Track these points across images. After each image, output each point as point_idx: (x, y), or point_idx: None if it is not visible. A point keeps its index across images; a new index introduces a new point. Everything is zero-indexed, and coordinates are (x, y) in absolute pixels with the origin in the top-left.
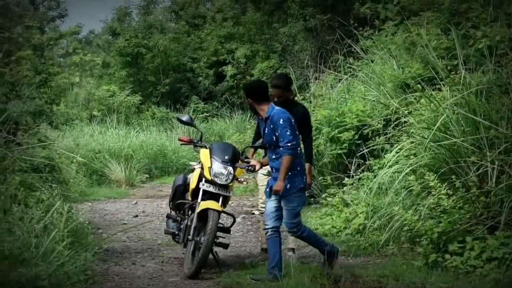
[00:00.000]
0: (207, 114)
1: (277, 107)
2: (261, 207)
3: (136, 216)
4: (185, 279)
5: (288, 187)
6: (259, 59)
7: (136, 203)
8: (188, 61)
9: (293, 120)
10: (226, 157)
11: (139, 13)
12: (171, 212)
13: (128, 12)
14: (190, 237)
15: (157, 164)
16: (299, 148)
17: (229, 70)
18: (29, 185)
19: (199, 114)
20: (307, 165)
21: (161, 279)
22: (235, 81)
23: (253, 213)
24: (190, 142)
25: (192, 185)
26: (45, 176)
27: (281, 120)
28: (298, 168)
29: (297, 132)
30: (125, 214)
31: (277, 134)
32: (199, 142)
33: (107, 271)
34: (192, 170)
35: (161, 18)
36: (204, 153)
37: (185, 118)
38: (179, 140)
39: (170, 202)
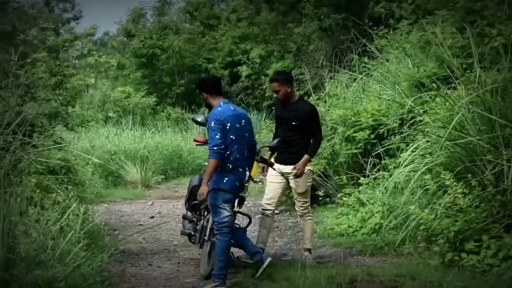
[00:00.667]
0: None
1: (223, 106)
2: (265, 203)
3: (152, 217)
4: (201, 279)
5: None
6: (273, 59)
7: (152, 204)
8: (203, 61)
9: (229, 124)
10: None
11: (154, 14)
12: (187, 213)
13: (143, 13)
14: (206, 237)
15: (173, 165)
16: (226, 152)
17: (244, 70)
18: (45, 187)
19: None
20: (305, 156)
21: (177, 280)
22: (250, 82)
23: None
24: (205, 142)
25: None
26: (61, 178)
27: (213, 122)
28: (219, 169)
29: (232, 137)
30: (141, 215)
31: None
32: None
33: (123, 272)
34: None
35: (175, 19)
36: None
37: (200, 118)
38: (195, 141)
39: (186, 203)
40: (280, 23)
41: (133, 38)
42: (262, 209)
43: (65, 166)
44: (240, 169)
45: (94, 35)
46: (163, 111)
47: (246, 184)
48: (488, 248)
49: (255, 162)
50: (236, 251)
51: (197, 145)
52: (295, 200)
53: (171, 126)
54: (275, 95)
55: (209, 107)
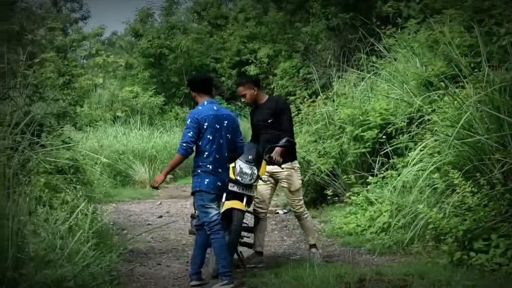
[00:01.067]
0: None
1: (205, 106)
2: (257, 206)
3: (161, 216)
4: (210, 278)
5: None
6: (281, 59)
7: (160, 203)
8: (211, 61)
9: (206, 124)
10: (250, 157)
11: (162, 14)
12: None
13: (151, 13)
14: None
15: (181, 165)
16: (205, 153)
17: (252, 70)
18: (53, 187)
19: None
20: (276, 149)
21: (186, 280)
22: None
23: (277, 213)
24: None
25: None
26: (69, 178)
27: (189, 120)
28: (199, 171)
29: (210, 137)
30: (150, 214)
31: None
32: None
33: (132, 271)
34: None
35: (183, 19)
36: None
37: None
38: None
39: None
40: (288, 22)
41: (141, 38)
42: (254, 211)
43: (73, 166)
44: (220, 169)
45: (102, 35)
46: (171, 111)
47: (254, 184)
48: (497, 247)
49: (263, 162)
50: (245, 250)
51: None
52: (288, 200)
53: (179, 126)
54: (242, 100)
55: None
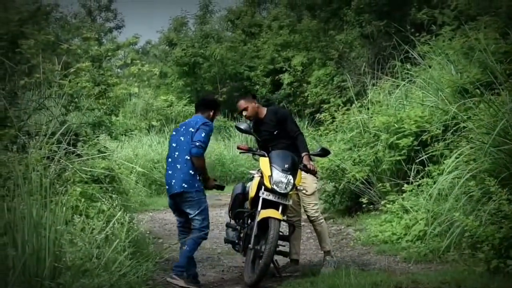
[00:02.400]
0: None
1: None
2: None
3: None
4: (245, 287)
5: None
6: (315, 67)
7: None
8: (245, 69)
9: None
10: (286, 166)
11: (196, 22)
12: (230, 221)
13: (185, 22)
14: (250, 245)
15: (216, 173)
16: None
17: (285, 78)
18: (89, 196)
19: None
20: (303, 155)
21: None
22: (292, 89)
23: None
24: (248, 150)
25: (251, 194)
26: (105, 187)
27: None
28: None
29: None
30: None
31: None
32: (258, 151)
33: (168, 280)
34: (251, 179)
35: (217, 28)
36: (263, 162)
37: (243, 126)
38: (238, 148)
39: (229, 211)
40: (322, 30)
41: (175, 47)
42: (288, 219)
43: (109, 175)
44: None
45: (136, 44)
46: None
47: (290, 193)
48: None
49: (299, 170)
50: (280, 259)
51: (240, 152)
52: (304, 205)
53: (213, 134)
54: (244, 114)
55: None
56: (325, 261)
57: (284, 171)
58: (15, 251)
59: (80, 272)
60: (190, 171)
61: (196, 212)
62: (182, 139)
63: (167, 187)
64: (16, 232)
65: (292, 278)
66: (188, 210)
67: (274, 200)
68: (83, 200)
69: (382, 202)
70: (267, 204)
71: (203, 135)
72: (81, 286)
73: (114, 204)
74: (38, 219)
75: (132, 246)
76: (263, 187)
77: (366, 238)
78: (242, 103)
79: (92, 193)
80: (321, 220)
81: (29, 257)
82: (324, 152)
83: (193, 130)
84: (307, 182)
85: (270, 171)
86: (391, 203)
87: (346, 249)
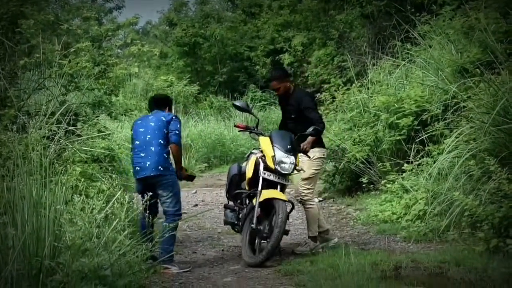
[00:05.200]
0: (265, 103)
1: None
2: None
3: (196, 205)
4: (245, 267)
5: None
6: (316, 47)
7: (195, 192)
8: (245, 50)
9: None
10: (288, 146)
11: (196, 3)
12: (228, 202)
13: (185, 2)
14: (253, 225)
15: (216, 153)
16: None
17: (286, 58)
18: (89, 176)
19: (257, 103)
20: (308, 138)
21: (222, 268)
22: (293, 69)
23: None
24: (246, 128)
25: (249, 174)
26: (105, 167)
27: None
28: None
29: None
30: (185, 203)
31: None
32: (255, 129)
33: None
34: (247, 158)
35: (217, 8)
36: (264, 141)
37: (240, 103)
38: (235, 126)
39: (226, 193)
40: (322, 10)
41: (175, 27)
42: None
43: (109, 155)
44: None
45: (137, 25)
46: (205, 100)
47: (291, 173)
48: None
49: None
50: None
51: (239, 131)
52: (298, 185)
53: (213, 115)
54: (275, 93)
55: None
56: (305, 242)
57: (287, 151)
58: (15, 230)
59: (80, 251)
60: (165, 155)
61: (170, 195)
62: (153, 125)
63: (137, 169)
64: (16, 212)
65: (292, 257)
66: (161, 192)
67: (275, 180)
68: (82, 179)
69: (382, 182)
70: (266, 184)
71: (178, 126)
72: (81, 265)
73: (114, 183)
74: (38, 199)
75: (131, 225)
76: (261, 167)
77: (366, 217)
78: (275, 84)
79: (92, 172)
80: (310, 206)
81: (28, 236)
82: (316, 132)
83: (164, 119)
84: (304, 167)
85: (273, 151)
86: (391, 182)
87: (346, 229)
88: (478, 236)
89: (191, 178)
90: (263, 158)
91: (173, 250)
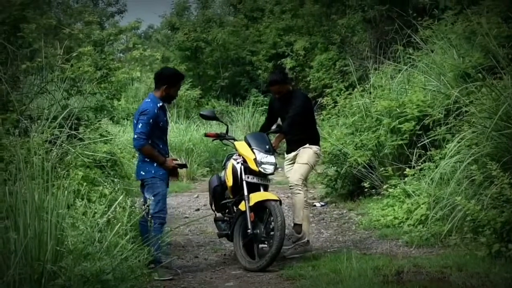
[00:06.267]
0: (267, 107)
1: (149, 98)
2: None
3: (198, 209)
4: (247, 271)
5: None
6: (318, 51)
7: (197, 196)
8: (247, 54)
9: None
10: (267, 147)
11: (198, 7)
12: (216, 215)
13: (187, 6)
14: (249, 231)
15: (218, 158)
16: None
17: (288, 62)
18: (91, 180)
19: (259, 107)
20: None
21: (223, 272)
22: (294, 74)
23: (314, 205)
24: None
25: (229, 183)
26: (107, 171)
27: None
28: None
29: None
30: (187, 208)
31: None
32: (226, 135)
33: (170, 264)
34: (223, 168)
35: (219, 12)
36: (242, 146)
37: (207, 112)
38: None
39: (211, 205)
40: (324, 14)
41: (177, 31)
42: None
43: (111, 159)
44: None
45: (139, 29)
46: (207, 104)
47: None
48: None
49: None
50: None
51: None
52: (292, 172)
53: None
54: (275, 95)
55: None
56: (292, 231)
57: (266, 152)
58: (17, 234)
59: (82, 255)
60: (145, 159)
61: (151, 197)
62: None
63: None
64: (18, 216)
65: (294, 262)
66: (145, 194)
67: (258, 182)
68: (85, 184)
69: (384, 187)
70: (248, 187)
71: (140, 126)
72: (83, 270)
73: (116, 188)
74: (40, 203)
75: (133, 230)
76: (242, 171)
77: (368, 222)
78: (276, 88)
79: (94, 177)
80: (296, 192)
81: (31, 240)
82: (279, 129)
83: (135, 122)
84: (303, 154)
85: (253, 154)
86: (393, 187)
87: (348, 233)
88: (480, 241)
89: (182, 166)
90: (244, 162)
91: (159, 254)
